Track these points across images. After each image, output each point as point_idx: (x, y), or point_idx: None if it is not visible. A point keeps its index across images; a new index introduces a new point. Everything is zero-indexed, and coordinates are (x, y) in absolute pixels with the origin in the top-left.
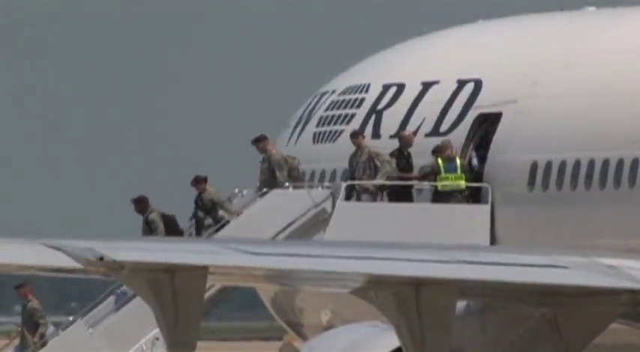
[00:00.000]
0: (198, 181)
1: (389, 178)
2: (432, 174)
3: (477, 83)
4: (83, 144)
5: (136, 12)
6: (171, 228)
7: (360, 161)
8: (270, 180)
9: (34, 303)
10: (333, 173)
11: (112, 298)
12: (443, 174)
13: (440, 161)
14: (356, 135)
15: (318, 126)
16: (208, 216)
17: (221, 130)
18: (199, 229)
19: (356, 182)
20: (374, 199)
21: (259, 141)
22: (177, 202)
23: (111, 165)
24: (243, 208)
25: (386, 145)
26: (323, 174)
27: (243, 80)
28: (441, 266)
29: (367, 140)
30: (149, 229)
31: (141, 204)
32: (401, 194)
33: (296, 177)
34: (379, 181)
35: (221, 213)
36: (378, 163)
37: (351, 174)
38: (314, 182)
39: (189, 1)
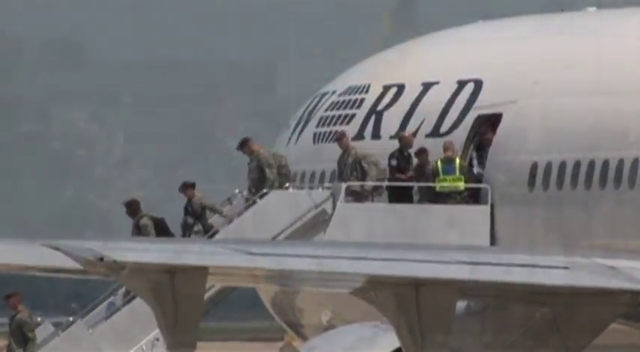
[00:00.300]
0: (186, 187)
1: (379, 180)
2: (419, 176)
3: (477, 83)
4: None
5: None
6: (162, 231)
7: (347, 163)
8: (259, 179)
9: (23, 315)
10: (333, 173)
11: (112, 299)
12: (441, 176)
13: (439, 162)
14: (340, 138)
15: (318, 126)
16: (198, 221)
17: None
18: (189, 236)
19: (356, 183)
20: (361, 202)
21: (244, 144)
22: (175, 202)
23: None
24: (234, 212)
25: (386, 146)
26: (323, 174)
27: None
28: (440, 267)
29: (367, 141)
30: (139, 234)
31: (132, 208)
32: (401, 195)
33: (285, 175)
34: (380, 183)
35: (210, 220)
36: (365, 166)
37: (339, 175)
38: (314, 183)
39: (189, 2)
